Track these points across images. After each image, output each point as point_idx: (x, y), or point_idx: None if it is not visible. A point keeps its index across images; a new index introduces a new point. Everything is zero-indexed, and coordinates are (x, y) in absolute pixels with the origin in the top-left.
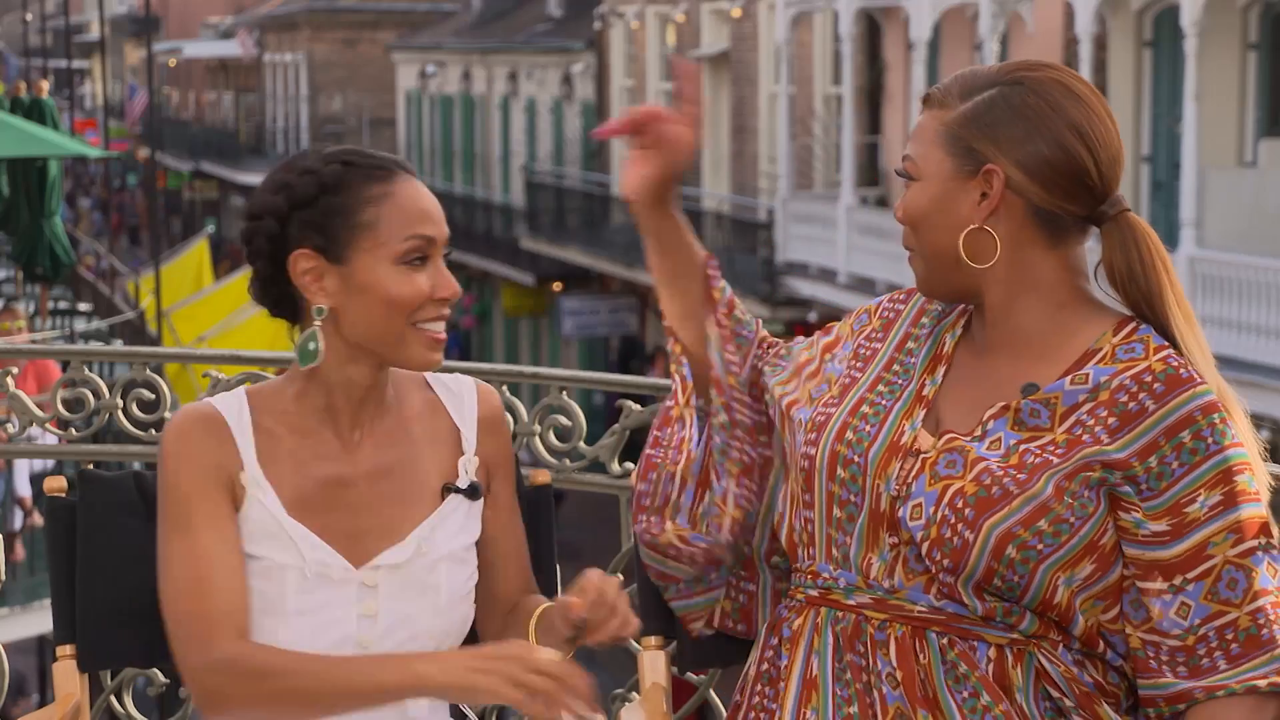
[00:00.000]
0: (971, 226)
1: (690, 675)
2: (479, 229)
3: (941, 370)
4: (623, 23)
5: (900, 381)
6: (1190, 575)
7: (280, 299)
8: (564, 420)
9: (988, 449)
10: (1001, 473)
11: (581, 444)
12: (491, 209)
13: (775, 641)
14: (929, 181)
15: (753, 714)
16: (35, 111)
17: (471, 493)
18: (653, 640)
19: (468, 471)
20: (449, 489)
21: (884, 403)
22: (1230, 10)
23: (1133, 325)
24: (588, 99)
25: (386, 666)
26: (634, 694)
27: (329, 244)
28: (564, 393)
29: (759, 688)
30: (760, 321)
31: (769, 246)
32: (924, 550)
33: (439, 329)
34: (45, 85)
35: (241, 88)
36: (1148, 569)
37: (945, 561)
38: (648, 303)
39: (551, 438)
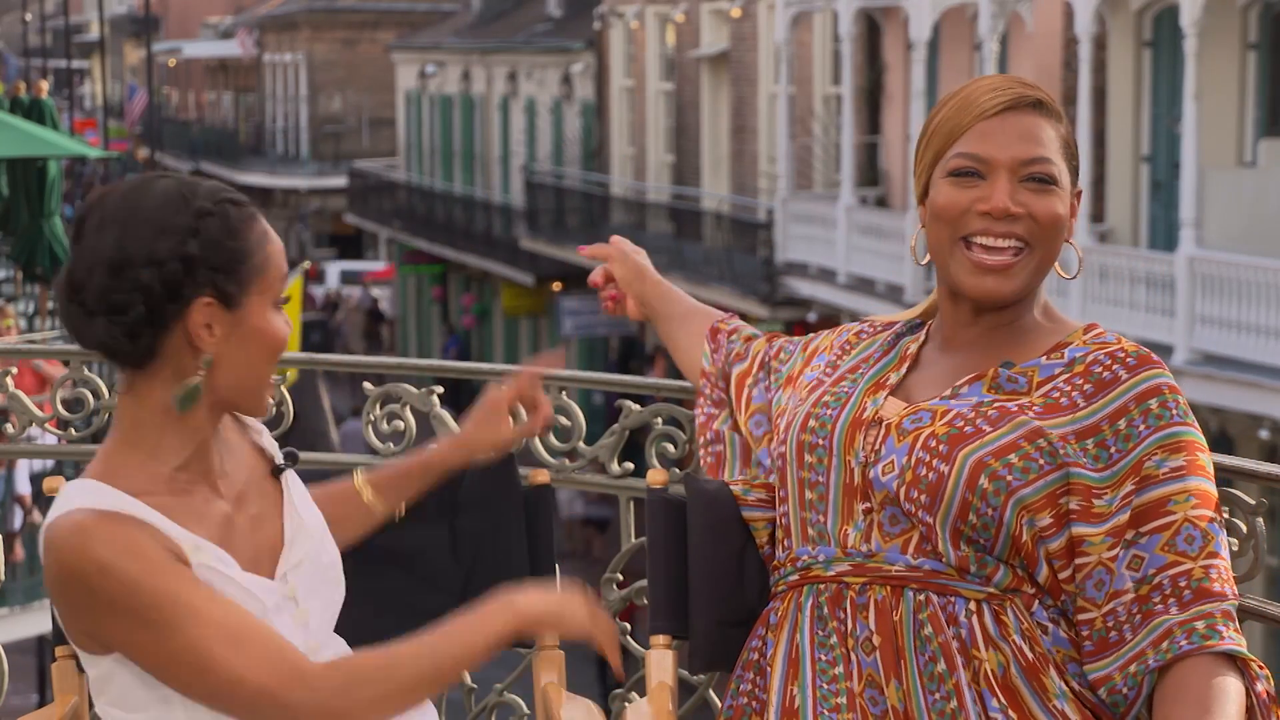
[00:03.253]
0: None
1: (688, 675)
2: (479, 229)
3: (905, 366)
4: (622, 23)
5: (862, 373)
6: (1145, 529)
7: (139, 350)
8: (564, 420)
9: (957, 404)
10: (974, 414)
11: (581, 444)
12: (491, 209)
13: (762, 631)
14: (1062, 191)
15: (744, 699)
16: (35, 111)
17: (291, 459)
18: (661, 639)
19: (273, 447)
20: (277, 470)
21: (845, 390)
22: (1230, 10)
23: (1101, 329)
24: (587, 99)
25: (486, 616)
26: (634, 695)
27: (231, 290)
28: (563, 393)
29: (749, 675)
30: (762, 337)
31: (769, 246)
32: (901, 496)
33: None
34: (45, 85)
35: (241, 88)
36: (1110, 537)
37: (923, 498)
38: None
39: (551, 438)
